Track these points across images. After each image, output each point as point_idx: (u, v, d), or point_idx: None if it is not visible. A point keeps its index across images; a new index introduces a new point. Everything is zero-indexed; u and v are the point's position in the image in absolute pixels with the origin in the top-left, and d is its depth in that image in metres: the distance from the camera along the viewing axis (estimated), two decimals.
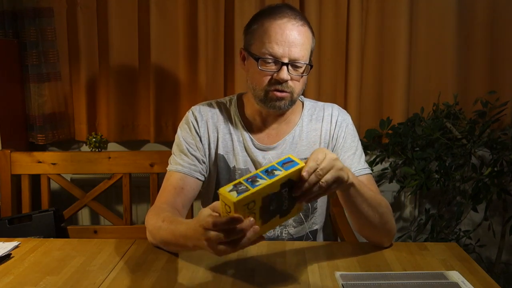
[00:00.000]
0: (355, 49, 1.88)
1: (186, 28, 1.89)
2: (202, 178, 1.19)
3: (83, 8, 1.90)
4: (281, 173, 0.79)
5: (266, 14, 1.10)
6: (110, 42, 1.90)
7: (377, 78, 1.94)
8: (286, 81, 1.08)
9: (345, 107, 1.91)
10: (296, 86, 1.11)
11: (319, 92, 1.91)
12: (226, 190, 0.76)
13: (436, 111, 1.87)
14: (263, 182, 0.77)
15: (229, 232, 0.76)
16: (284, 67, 1.07)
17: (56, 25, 1.89)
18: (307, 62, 1.10)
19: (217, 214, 0.79)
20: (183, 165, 1.16)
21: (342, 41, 1.90)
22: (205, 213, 0.80)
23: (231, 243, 0.77)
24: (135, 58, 1.94)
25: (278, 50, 1.06)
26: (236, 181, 0.78)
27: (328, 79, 1.93)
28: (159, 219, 1.01)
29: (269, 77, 1.09)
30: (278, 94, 1.10)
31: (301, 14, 1.12)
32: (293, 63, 1.08)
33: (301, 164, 0.82)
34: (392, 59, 1.90)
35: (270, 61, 1.08)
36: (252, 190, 0.75)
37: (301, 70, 1.10)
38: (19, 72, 1.88)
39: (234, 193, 0.74)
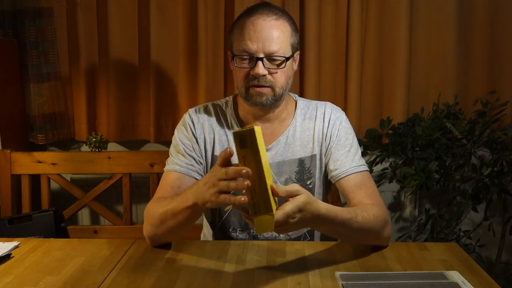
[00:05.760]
0: (355, 49, 1.88)
1: (186, 28, 1.89)
2: (200, 178, 1.19)
3: (83, 8, 1.90)
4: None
5: (243, 14, 1.14)
6: (110, 42, 1.90)
7: (377, 78, 1.94)
8: (263, 76, 1.09)
9: (345, 107, 1.92)
10: (277, 79, 1.11)
11: (319, 92, 1.91)
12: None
13: (436, 111, 1.87)
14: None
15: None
16: (259, 62, 1.08)
17: (56, 25, 1.89)
18: (286, 55, 1.10)
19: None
20: (181, 164, 1.16)
21: (342, 41, 1.90)
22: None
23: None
24: (135, 58, 1.94)
25: (251, 46, 1.08)
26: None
27: (328, 79, 1.93)
28: (157, 202, 1.07)
29: (246, 74, 1.11)
30: (257, 89, 1.11)
31: (277, 8, 1.13)
32: (269, 57, 1.09)
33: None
34: (392, 59, 1.89)
35: (245, 57, 1.10)
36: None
37: (279, 63, 1.10)
38: (19, 72, 1.88)
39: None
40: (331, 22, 1.89)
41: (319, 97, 1.89)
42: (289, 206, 0.84)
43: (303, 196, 0.87)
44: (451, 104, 1.85)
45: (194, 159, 1.19)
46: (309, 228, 1.24)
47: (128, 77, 1.94)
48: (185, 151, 1.18)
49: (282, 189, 0.85)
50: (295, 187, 0.87)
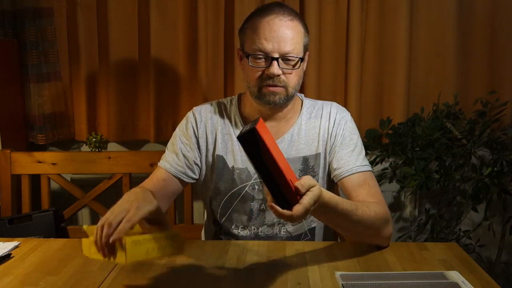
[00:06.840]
0: (355, 49, 1.88)
1: (186, 28, 1.89)
2: (187, 180, 1.22)
3: (83, 8, 1.90)
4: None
5: (256, 13, 1.14)
6: (110, 42, 1.90)
7: (377, 78, 1.94)
8: (278, 75, 1.10)
9: (345, 107, 1.90)
10: (290, 80, 1.12)
11: (319, 92, 1.91)
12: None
13: (436, 111, 1.87)
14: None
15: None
16: (274, 62, 1.09)
17: (56, 25, 1.89)
18: (299, 56, 1.11)
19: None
20: (171, 164, 1.20)
21: (342, 41, 1.90)
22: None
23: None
24: (135, 58, 1.93)
25: (267, 45, 1.08)
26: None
27: (328, 79, 1.93)
28: None
29: (260, 73, 1.11)
30: (271, 89, 1.11)
31: (291, 9, 1.14)
32: (284, 57, 1.09)
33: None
34: (392, 59, 1.89)
35: (260, 57, 1.10)
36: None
37: (293, 63, 1.11)
38: (19, 72, 1.88)
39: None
40: (331, 22, 1.89)
41: (319, 97, 1.89)
42: (307, 200, 0.84)
43: (318, 189, 0.87)
44: (451, 104, 1.85)
45: (188, 159, 1.20)
46: (311, 226, 1.25)
47: (128, 77, 1.94)
48: (180, 150, 1.21)
49: (303, 185, 0.84)
50: (309, 180, 0.87)
